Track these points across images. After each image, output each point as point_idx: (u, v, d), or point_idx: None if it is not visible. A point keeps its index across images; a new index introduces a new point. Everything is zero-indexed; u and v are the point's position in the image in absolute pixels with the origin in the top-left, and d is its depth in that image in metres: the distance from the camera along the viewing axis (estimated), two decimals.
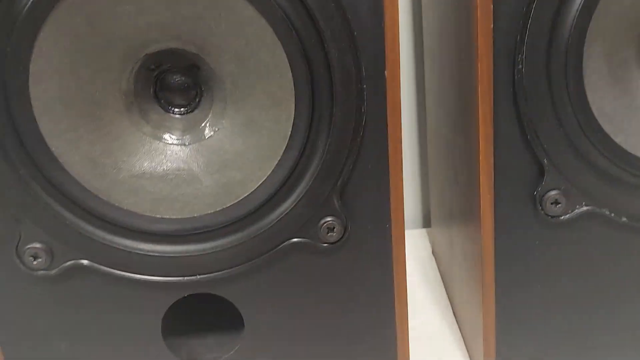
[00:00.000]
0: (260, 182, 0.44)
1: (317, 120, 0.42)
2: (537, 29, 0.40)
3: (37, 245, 0.45)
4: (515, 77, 0.42)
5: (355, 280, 0.47)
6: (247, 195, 0.44)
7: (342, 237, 0.46)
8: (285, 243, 0.46)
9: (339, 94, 0.42)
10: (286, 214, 0.45)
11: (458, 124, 0.52)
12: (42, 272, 0.46)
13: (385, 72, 0.42)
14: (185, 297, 0.48)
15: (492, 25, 0.41)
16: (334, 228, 0.45)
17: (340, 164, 0.44)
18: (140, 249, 0.45)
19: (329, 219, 0.45)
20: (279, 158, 0.43)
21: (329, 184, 0.44)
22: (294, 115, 0.42)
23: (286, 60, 0.41)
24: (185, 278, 0.46)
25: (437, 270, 0.75)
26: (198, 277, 0.46)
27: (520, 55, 0.41)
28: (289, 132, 0.43)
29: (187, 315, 0.51)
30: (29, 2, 0.39)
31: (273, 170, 0.44)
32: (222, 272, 0.46)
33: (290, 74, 0.41)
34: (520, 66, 0.42)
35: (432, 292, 0.69)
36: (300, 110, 0.42)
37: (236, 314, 0.48)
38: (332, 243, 0.46)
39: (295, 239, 0.46)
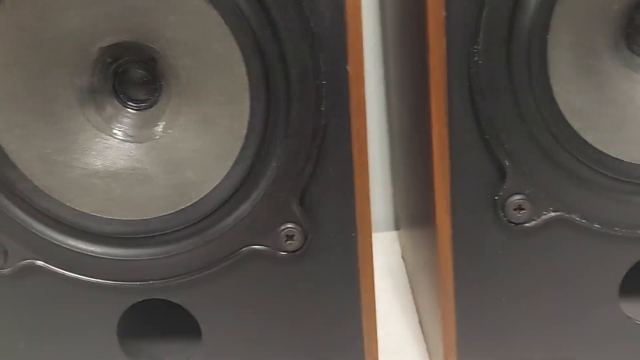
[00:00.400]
0: (215, 184, 0.41)
1: (274, 118, 0.39)
2: (495, 16, 0.36)
3: None
4: (471, 70, 0.38)
5: (319, 293, 0.44)
6: (202, 198, 0.42)
7: (302, 246, 0.42)
8: (242, 250, 0.43)
9: (295, 91, 0.38)
10: (242, 218, 0.42)
11: (415, 122, 0.48)
12: None
13: (348, 67, 0.39)
14: (142, 301, 0.45)
15: (444, 14, 0.37)
16: (293, 236, 0.42)
17: (299, 166, 0.40)
18: (91, 251, 0.43)
19: (288, 225, 0.42)
20: (235, 158, 0.41)
21: (287, 187, 0.41)
22: (249, 113, 0.39)
23: (239, 53, 0.38)
24: (138, 283, 0.44)
25: (406, 275, 0.70)
26: (151, 282, 0.44)
27: (476, 47, 0.37)
28: (245, 131, 0.40)
29: (147, 318, 0.49)
30: None
31: (229, 171, 0.41)
32: (176, 278, 0.44)
33: (244, 68, 0.38)
34: (476, 58, 0.37)
35: (400, 300, 0.65)
36: (256, 107, 0.39)
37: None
38: (291, 252, 0.43)
39: (252, 246, 0.43)
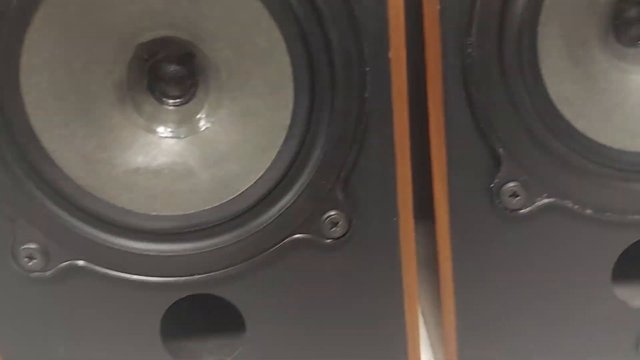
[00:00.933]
0: (259, 175, 0.42)
1: (318, 107, 0.40)
2: (487, 9, 0.38)
3: (32, 245, 0.43)
4: (465, 61, 0.39)
5: (362, 278, 0.44)
6: (246, 190, 0.42)
7: (346, 232, 0.43)
8: (287, 239, 0.43)
9: (340, 79, 0.39)
10: (287, 208, 0.42)
11: (411, 114, 0.50)
12: (37, 273, 0.44)
13: (390, 53, 0.39)
14: (185, 298, 0.45)
15: (438, 7, 0.38)
16: (337, 223, 0.43)
17: (343, 154, 0.41)
18: (135, 248, 0.43)
19: (332, 213, 0.42)
20: (278, 149, 0.41)
21: (331, 176, 0.42)
22: (293, 103, 0.40)
23: (284, 43, 0.39)
24: (183, 278, 0.44)
25: None
26: (196, 276, 0.44)
27: (469, 38, 0.38)
28: (288, 121, 0.40)
29: (188, 316, 0.49)
30: None
31: (272, 162, 0.41)
32: (222, 271, 0.44)
33: (288, 58, 0.39)
34: (469, 50, 0.39)
35: None
36: (299, 97, 0.40)
37: (238, 314, 0.46)
38: (336, 238, 0.43)
39: (297, 235, 0.43)
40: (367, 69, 0.39)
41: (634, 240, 0.45)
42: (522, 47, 0.39)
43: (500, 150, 0.42)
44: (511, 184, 0.43)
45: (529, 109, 0.40)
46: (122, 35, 0.40)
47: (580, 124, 0.41)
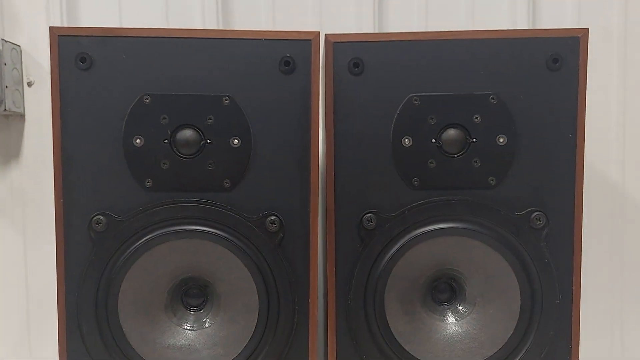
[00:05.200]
0: (234, 356, 0.77)
1: (270, 322, 0.76)
2: (358, 280, 0.77)
3: None
4: (348, 305, 0.78)
5: None
6: None
7: None
8: None
9: (282, 310, 0.76)
10: None
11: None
12: None
13: (309, 299, 0.77)
14: None
15: (334, 279, 0.77)
16: None
17: (281, 348, 0.77)
18: None
19: None
20: (246, 342, 0.77)
21: (275, 359, 0.77)
22: (257, 318, 0.76)
23: (254, 286, 0.76)
24: None
25: None
26: None
27: (350, 295, 0.77)
28: (254, 328, 0.77)
29: None
30: (126, 254, 0.75)
31: (242, 350, 0.77)
32: None
33: (257, 297, 0.76)
34: (349, 302, 0.78)
35: None
36: (261, 316, 0.76)
37: None
38: None
39: None
40: (296, 307, 0.76)
41: None
42: (375, 301, 0.77)
43: (364, 356, 0.78)
44: None
45: (379, 336, 0.77)
46: (172, 275, 0.77)
47: (408, 347, 0.78)
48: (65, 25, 1.05)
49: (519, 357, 0.77)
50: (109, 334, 0.75)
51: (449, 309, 0.80)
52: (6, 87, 1.02)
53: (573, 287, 0.77)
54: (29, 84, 1.07)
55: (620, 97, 1.06)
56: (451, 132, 0.76)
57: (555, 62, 0.75)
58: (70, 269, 0.75)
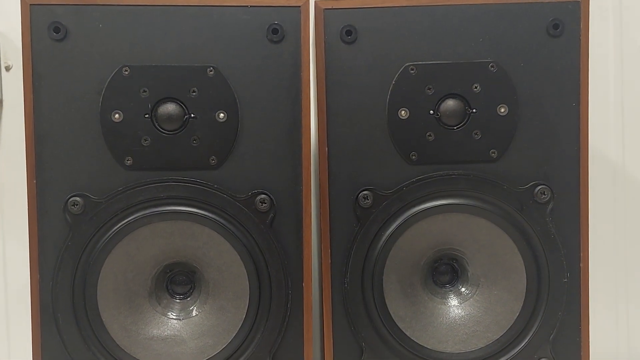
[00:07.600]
0: (222, 347, 0.71)
1: (262, 309, 0.71)
2: (355, 263, 0.72)
3: None
4: (345, 289, 0.73)
5: None
6: (215, 354, 0.71)
7: None
8: None
9: (275, 296, 0.71)
10: None
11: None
12: None
13: (303, 283, 0.72)
14: None
15: (329, 261, 0.72)
16: None
17: (274, 336, 0.72)
18: None
19: None
20: (236, 331, 0.71)
21: (266, 351, 0.72)
22: (247, 305, 0.71)
23: (245, 272, 0.71)
24: None
25: None
26: None
27: (346, 278, 0.73)
28: (244, 316, 0.71)
29: None
30: (105, 238, 0.70)
31: (231, 341, 0.71)
32: None
33: (247, 283, 0.71)
34: (346, 285, 0.73)
35: None
36: (252, 303, 0.71)
37: None
38: None
39: None
40: (290, 291, 0.72)
41: None
42: (374, 286, 0.72)
43: (362, 343, 0.73)
44: None
45: (377, 320, 0.73)
46: (156, 260, 0.72)
47: (408, 332, 0.73)
48: None
49: (526, 340, 0.73)
50: (87, 325, 0.70)
51: (451, 291, 0.76)
52: None
53: (581, 264, 0.73)
54: (7, 69, 1.01)
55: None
56: (450, 103, 0.72)
57: (556, 27, 0.72)
58: (44, 255, 0.70)
